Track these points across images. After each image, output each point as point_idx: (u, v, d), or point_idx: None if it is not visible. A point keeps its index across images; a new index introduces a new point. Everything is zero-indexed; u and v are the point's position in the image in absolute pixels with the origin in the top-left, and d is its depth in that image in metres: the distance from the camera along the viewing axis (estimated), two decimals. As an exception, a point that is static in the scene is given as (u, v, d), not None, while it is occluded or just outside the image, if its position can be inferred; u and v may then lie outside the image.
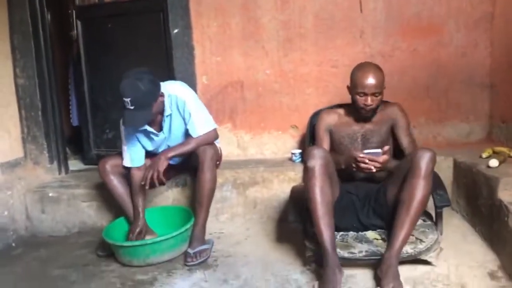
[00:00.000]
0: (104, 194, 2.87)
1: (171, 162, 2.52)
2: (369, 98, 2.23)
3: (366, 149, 2.23)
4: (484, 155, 2.55)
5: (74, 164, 3.64)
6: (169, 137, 2.58)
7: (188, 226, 2.42)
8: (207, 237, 2.52)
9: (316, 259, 2.11)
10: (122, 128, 2.54)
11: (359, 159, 2.09)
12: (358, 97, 2.25)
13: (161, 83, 2.46)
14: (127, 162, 2.56)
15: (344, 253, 2.08)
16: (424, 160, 1.99)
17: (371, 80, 2.21)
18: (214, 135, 2.60)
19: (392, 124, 2.36)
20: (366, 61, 2.43)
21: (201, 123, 2.52)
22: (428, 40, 3.00)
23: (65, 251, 2.63)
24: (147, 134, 2.53)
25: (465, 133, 3.06)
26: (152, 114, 2.39)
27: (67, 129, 3.79)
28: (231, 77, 3.16)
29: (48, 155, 3.21)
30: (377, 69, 2.27)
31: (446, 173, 2.67)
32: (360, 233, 2.24)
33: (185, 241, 2.43)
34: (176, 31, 3.10)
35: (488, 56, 2.99)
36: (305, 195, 2.06)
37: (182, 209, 2.69)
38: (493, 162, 2.35)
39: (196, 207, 2.49)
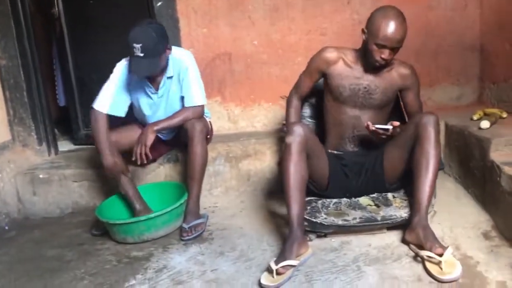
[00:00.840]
0: (95, 174, 2.85)
1: (162, 137, 2.49)
2: (387, 52, 2.04)
3: (366, 105, 2.21)
4: (475, 117, 2.55)
5: (64, 145, 3.59)
6: (166, 100, 2.53)
7: (182, 201, 2.41)
8: (201, 211, 2.52)
9: (311, 229, 2.11)
10: (117, 72, 2.46)
11: (371, 130, 2.10)
12: (374, 47, 2.05)
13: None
14: (103, 106, 2.42)
15: (338, 221, 2.09)
16: (430, 126, 1.99)
17: (396, 33, 2.01)
18: (202, 111, 2.56)
19: (403, 87, 2.24)
20: (390, 5, 2.13)
21: (197, 94, 2.50)
22: (416, 4, 2.95)
23: (59, 231, 2.62)
24: (145, 90, 2.49)
25: (456, 96, 3.05)
26: (159, 64, 2.35)
27: (55, 110, 3.73)
28: (218, 49, 3.11)
29: (36, 137, 3.16)
30: (403, 19, 2.05)
31: (438, 137, 2.67)
32: (353, 199, 2.24)
33: (180, 216, 2.43)
34: (159, 3, 3.02)
35: (478, 17, 2.96)
36: (280, 169, 2.07)
37: (175, 185, 2.68)
38: (485, 124, 2.35)
39: (188, 181, 2.48)
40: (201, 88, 2.54)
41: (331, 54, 2.22)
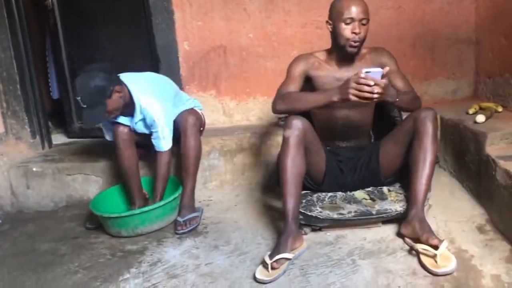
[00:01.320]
0: (89, 167, 2.84)
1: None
2: (356, 25, 1.99)
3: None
4: (471, 111, 2.55)
5: (58, 138, 3.57)
6: (137, 127, 2.48)
7: (176, 194, 2.40)
8: (196, 205, 2.52)
9: (306, 222, 2.11)
10: None
11: (361, 80, 1.81)
12: (343, 25, 2.00)
13: (133, 85, 2.37)
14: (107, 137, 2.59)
15: (334, 215, 2.08)
16: (428, 121, 1.98)
17: (358, 4, 2.00)
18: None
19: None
20: None
21: (166, 141, 2.44)
22: (413, -3, 2.95)
23: (53, 225, 2.60)
24: (125, 119, 2.47)
25: (451, 90, 3.05)
26: (107, 111, 2.28)
27: (48, 103, 3.70)
28: (214, 42, 3.09)
29: (30, 129, 3.14)
30: None
31: (433, 131, 2.67)
32: (348, 193, 2.24)
33: (174, 209, 2.42)
34: (154, -5, 3.00)
35: (473, 11, 2.96)
36: (278, 162, 2.05)
37: (169, 178, 2.66)
38: (480, 118, 2.34)
39: (183, 175, 2.48)
40: (169, 134, 2.45)
41: (307, 58, 2.20)
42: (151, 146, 2.47)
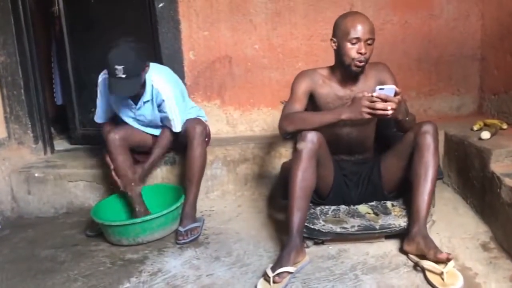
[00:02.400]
0: (91, 174, 2.83)
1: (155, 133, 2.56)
2: (362, 45, 1.97)
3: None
4: (476, 127, 2.54)
5: (60, 144, 3.57)
6: (145, 115, 2.53)
7: (178, 204, 2.39)
8: (198, 215, 2.50)
9: (308, 235, 2.09)
10: (99, 84, 2.51)
11: (374, 98, 1.81)
12: (349, 45, 1.98)
13: (154, 70, 2.44)
14: (97, 118, 2.61)
15: (337, 228, 2.07)
16: (429, 135, 1.98)
17: (364, 24, 1.97)
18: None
19: (378, 82, 2.12)
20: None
21: (175, 123, 2.50)
22: (419, 13, 2.96)
23: (53, 231, 2.59)
24: (125, 104, 2.50)
25: (456, 106, 3.04)
26: (139, 84, 2.33)
27: (52, 108, 3.70)
28: (219, 52, 3.09)
29: (32, 135, 3.13)
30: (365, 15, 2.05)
31: (437, 147, 2.66)
32: (352, 207, 2.22)
33: (176, 219, 2.40)
34: (161, 5, 3.00)
35: (479, 28, 2.96)
36: (288, 174, 2.02)
37: (172, 187, 2.66)
38: (485, 134, 2.34)
39: (186, 184, 2.47)
40: (180, 114, 2.50)
41: (311, 75, 2.15)
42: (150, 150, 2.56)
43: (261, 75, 3.11)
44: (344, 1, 2.96)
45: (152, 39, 3.08)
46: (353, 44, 1.99)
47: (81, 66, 3.38)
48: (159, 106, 2.47)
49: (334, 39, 2.06)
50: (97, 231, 2.44)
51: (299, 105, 2.11)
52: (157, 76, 2.45)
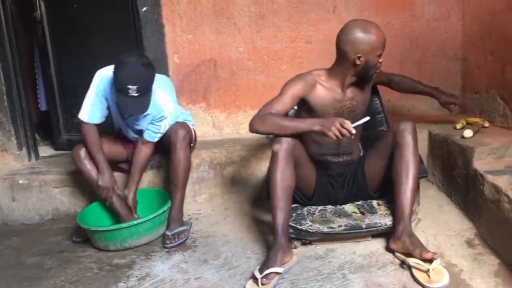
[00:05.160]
0: (76, 179, 2.80)
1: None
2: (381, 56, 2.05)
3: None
4: (458, 126, 2.58)
5: (44, 150, 3.53)
6: (138, 123, 2.48)
7: (165, 208, 2.38)
8: (185, 218, 2.50)
9: (296, 236, 2.10)
10: (96, 80, 2.38)
11: (346, 126, 1.88)
12: (378, 59, 2.04)
13: (157, 84, 2.36)
14: (84, 116, 2.40)
15: (324, 228, 2.08)
16: (407, 133, 2.02)
17: (384, 36, 2.03)
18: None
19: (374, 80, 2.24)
20: (354, 19, 2.13)
21: (157, 135, 2.47)
22: (401, 14, 3.00)
23: (39, 238, 2.56)
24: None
25: (439, 105, 3.05)
26: (151, 98, 2.28)
27: (35, 114, 3.66)
28: (204, 56, 3.10)
29: (16, 141, 3.09)
30: None
31: (421, 145, 2.64)
32: (338, 207, 2.24)
33: (163, 223, 2.40)
34: (144, 9, 3.00)
35: (460, 28, 3.01)
36: (267, 176, 2.04)
37: (158, 191, 2.65)
38: (468, 133, 2.37)
39: (172, 188, 2.46)
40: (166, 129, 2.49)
41: (307, 79, 2.10)
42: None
43: (246, 77, 3.12)
44: (328, 3, 2.98)
45: (136, 43, 3.07)
46: (379, 56, 2.04)
47: (65, 71, 3.35)
48: (155, 119, 2.42)
49: (360, 56, 2.00)
50: (84, 237, 2.42)
51: (281, 107, 2.07)
52: (161, 91, 2.38)
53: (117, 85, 2.18)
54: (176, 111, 2.50)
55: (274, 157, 2.00)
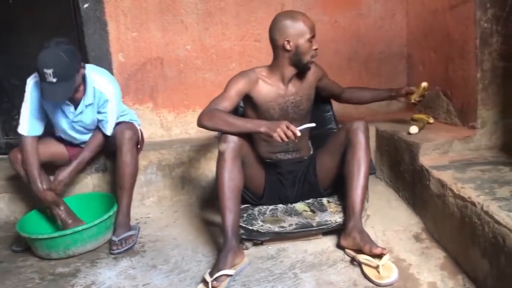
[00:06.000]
0: (15, 185, 2.66)
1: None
2: (314, 41, 2.08)
3: (296, 118, 2.14)
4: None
5: (-19, 155, 3.33)
6: (82, 119, 2.39)
7: (110, 213, 2.29)
8: (133, 222, 2.42)
9: (247, 237, 2.07)
10: (28, 92, 2.29)
11: (291, 128, 1.88)
12: (308, 44, 2.05)
13: (88, 67, 2.31)
14: (23, 129, 2.30)
15: (275, 228, 2.06)
16: (360, 132, 2.04)
17: (312, 21, 2.07)
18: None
19: (317, 80, 2.27)
20: (281, 12, 2.22)
21: (110, 127, 2.39)
22: (348, 12, 3.03)
23: (-26, 249, 2.41)
24: (62, 109, 2.34)
25: (386, 102, 3.12)
26: (74, 87, 2.19)
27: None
28: (150, 54, 3.01)
29: (-51, 146, 2.91)
30: None
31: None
32: (289, 205, 2.23)
33: (109, 228, 2.31)
34: (86, 5, 2.88)
35: (405, 26, 3.08)
36: (215, 178, 2.02)
37: (104, 195, 2.55)
38: (413, 129, 2.42)
39: (118, 192, 2.37)
40: (116, 117, 2.43)
41: (249, 75, 2.12)
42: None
43: (195, 76, 3.06)
44: (275, 1, 2.97)
45: (78, 40, 2.94)
46: (309, 41, 2.05)
47: (1, 70, 3.17)
48: (99, 107, 2.34)
49: (289, 40, 2.04)
50: (24, 245, 2.30)
51: (228, 103, 2.07)
52: (99, 77, 2.33)
53: (37, 71, 2.12)
54: (119, 94, 2.42)
55: (220, 157, 1.97)
